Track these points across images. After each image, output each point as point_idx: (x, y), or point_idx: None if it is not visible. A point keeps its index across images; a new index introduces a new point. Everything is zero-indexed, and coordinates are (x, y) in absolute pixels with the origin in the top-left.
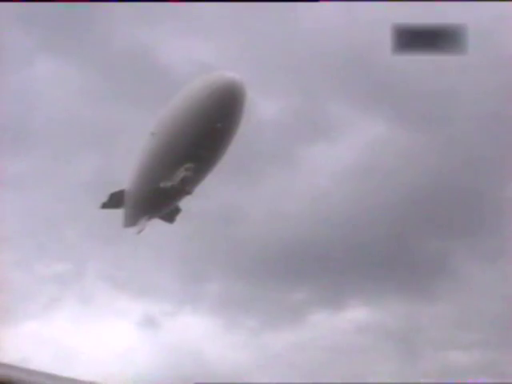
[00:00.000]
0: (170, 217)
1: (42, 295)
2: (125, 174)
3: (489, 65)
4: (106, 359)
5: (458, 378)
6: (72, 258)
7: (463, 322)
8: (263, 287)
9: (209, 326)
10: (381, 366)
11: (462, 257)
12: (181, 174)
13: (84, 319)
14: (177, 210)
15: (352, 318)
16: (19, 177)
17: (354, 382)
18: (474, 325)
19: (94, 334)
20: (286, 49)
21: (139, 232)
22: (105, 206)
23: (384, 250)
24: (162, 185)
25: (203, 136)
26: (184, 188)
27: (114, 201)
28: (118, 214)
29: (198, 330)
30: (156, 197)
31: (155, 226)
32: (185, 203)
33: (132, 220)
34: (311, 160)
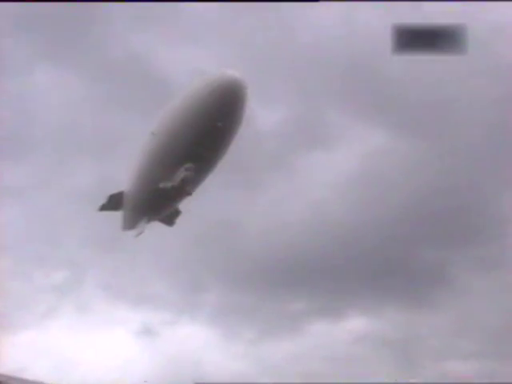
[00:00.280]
0: (169, 219)
1: (40, 304)
2: (123, 177)
3: (489, 71)
4: (104, 369)
5: None
6: (71, 266)
7: (461, 332)
8: (262, 297)
9: (207, 335)
10: (379, 375)
11: (460, 266)
12: (181, 174)
13: (82, 328)
14: (177, 213)
15: (351, 328)
16: (18, 184)
17: None
18: (472, 334)
19: (91, 343)
20: (286, 57)
21: (138, 235)
22: (103, 208)
23: (382, 259)
24: (161, 185)
25: (204, 135)
26: (184, 188)
27: (113, 203)
28: (117, 216)
29: (196, 340)
30: (156, 198)
31: (154, 229)
32: (184, 206)
33: (131, 222)
34: (310, 169)
